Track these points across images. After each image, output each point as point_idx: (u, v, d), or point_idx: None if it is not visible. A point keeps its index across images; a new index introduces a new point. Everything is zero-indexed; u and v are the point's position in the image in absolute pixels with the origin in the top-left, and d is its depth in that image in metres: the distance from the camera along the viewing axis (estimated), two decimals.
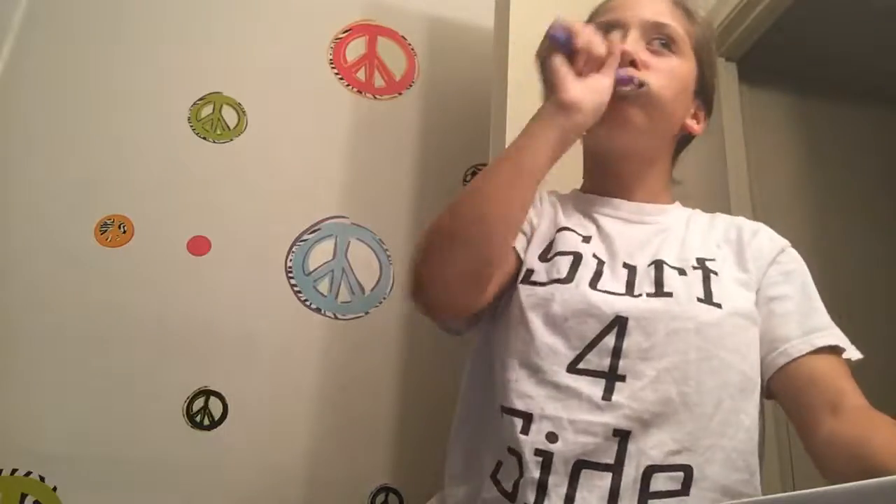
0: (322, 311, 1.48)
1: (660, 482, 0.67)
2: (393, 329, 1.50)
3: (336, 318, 1.48)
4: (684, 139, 0.92)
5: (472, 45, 1.73)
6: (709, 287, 0.76)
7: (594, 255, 0.80)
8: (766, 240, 0.84)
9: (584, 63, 0.76)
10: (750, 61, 1.81)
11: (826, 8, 1.84)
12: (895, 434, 0.63)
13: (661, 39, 0.84)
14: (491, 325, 0.82)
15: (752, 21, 1.66)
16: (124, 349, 1.34)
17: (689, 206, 0.93)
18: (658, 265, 0.78)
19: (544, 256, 0.81)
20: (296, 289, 1.48)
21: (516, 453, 0.70)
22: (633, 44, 0.82)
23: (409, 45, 1.76)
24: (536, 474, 0.68)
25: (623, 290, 0.76)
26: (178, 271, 1.42)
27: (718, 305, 0.75)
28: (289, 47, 1.66)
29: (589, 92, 0.75)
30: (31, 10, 1.52)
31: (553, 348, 0.73)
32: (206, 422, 1.35)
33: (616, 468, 0.67)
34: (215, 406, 1.36)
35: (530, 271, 0.79)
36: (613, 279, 0.78)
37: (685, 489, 0.67)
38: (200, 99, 1.56)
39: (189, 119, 1.54)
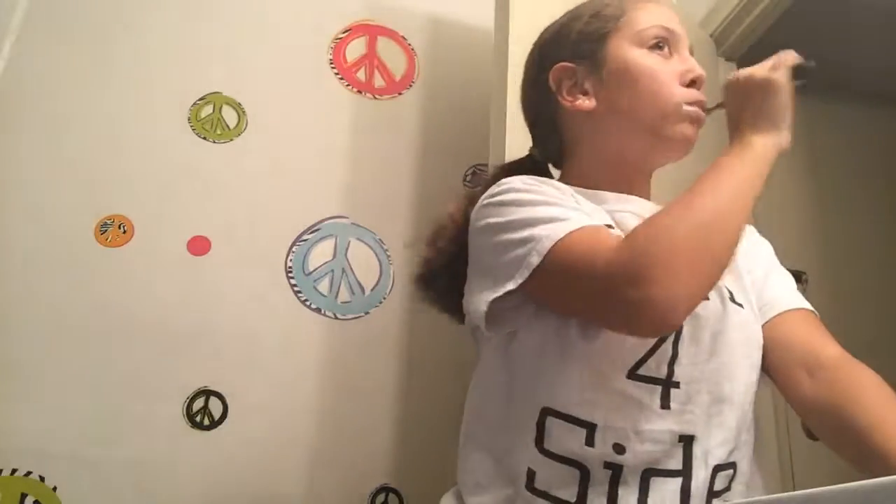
0: (322, 311, 1.48)
1: (720, 480, 0.69)
2: (393, 329, 1.50)
3: (336, 318, 1.48)
4: None
5: (472, 45, 1.73)
6: (728, 287, 0.77)
7: None
8: None
9: None
10: (750, 61, 1.80)
11: (826, 8, 1.84)
12: (870, 392, 0.65)
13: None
14: (536, 325, 0.75)
15: (752, 21, 1.66)
16: (124, 349, 1.34)
17: None
18: None
19: None
20: (296, 289, 1.48)
21: (579, 465, 0.69)
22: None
23: (409, 45, 1.76)
24: (606, 486, 0.68)
25: None
26: (178, 271, 1.42)
27: (741, 305, 0.77)
28: (289, 47, 1.66)
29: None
30: (31, 10, 1.52)
31: (614, 353, 0.71)
32: (206, 422, 1.35)
33: (685, 472, 0.68)
34: (215, 406, 1.36)
35: None
36: None
37: (730, 484, 0.69)
38: (200, 99, 1.56)
39: (189, 119, 1.54)
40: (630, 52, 0.83)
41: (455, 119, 1.70)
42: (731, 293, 0.77)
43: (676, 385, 0.71)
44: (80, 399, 1.30)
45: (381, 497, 1.39)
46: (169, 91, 1.55)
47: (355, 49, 1.72)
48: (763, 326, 0.77)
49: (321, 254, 1.52)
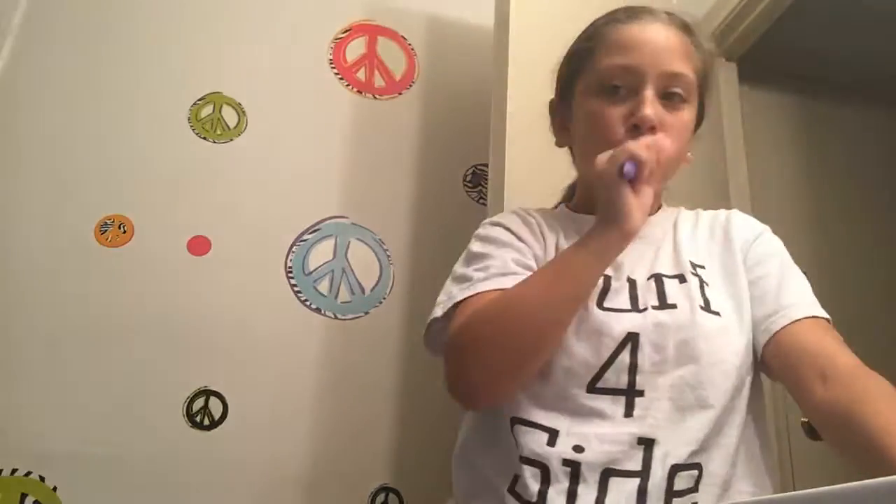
0: (322, 311, 1.48)
1: (682, 480, 0.69)
2: (393, 329, 1.50)
3: (336, 318, 1.48)
4: None
5: (472, 45, 1.73)
6: (706, 294, 0.78)
7: None
8: (745, 227, 0.87)
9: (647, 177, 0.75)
10: (750, 61, 1.81)
11: (826, 8, 1.84)
12: (883, 399, 0.64)
13: (675, 92, 0.83)
14: None
15: (752, 21, 1.67)
16: (124, 349, 1.34)
17: (690, 205, 0.94)
18: (657, 278, 0.80)
19: None
20: (296, 289, 1.48)
21: (541, 464, 0.71)
22: (653, 105, 0.80)
23: (409, 45, 1.76)
24: (566, 483, 0.70)
25: (629, 306, 0.78)
26: (178, 271, 1.42)
27: (717, 313, 0.77)
28: (289, 47, 1.66)
29: (643, 210, 0.75)
30: (31, 10, 1.52)
31: (570, 371, 0.74)
32: (206, 422, 1.35)
33: (643, 473, 0.69)
34: (215, 406, 1.36)
35: None
36: (617, 295, 0.79)
37: (696, 485, 0.70)
38: (200, 99, 1.56)
39: (189, 119, 1.54)
40: (586, 99, 0.86)
41: (455, 119, 1.70)
42: (706, 301, 0.77)
43: (640, 393, 0.73)
44: (80, 399, 1.30)
45: (381, 497, 1.39)
46: (169, 91, 1.55)
47: (355, 49, 1.72)
48: (778, 333, 0.76)
49: (321, 254, 1.52)
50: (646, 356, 0.74)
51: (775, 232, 0.88)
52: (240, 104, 1.58)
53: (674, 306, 0.76)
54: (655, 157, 0.74)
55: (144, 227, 1.44)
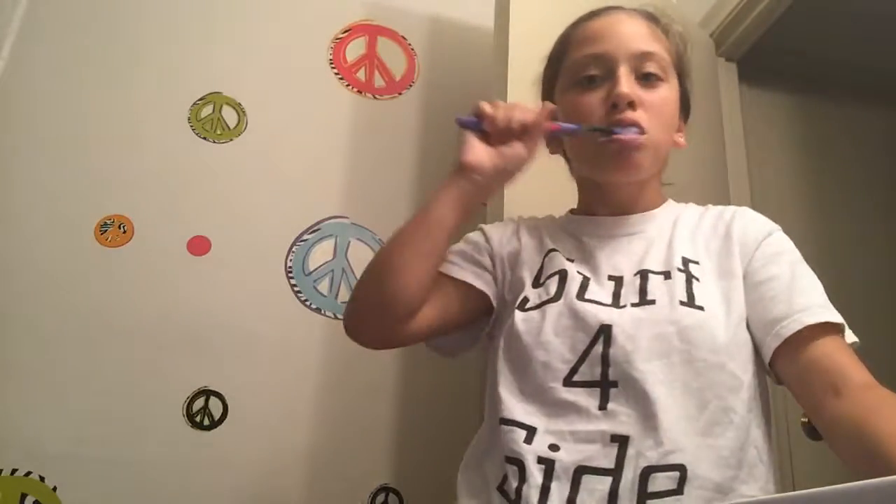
0: (322, 311, 1.48)
1: (658, 482, 0.68)
2: None
3: (336, 318, 1.48)
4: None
5: (472, 45, 1.73)
6: (691, 290, 0.77)
7: (578, 272, 0.83)
8: (752, 226, 0.86)
9: (498, 136, 0.82)
10: (750, 61, 1.81)
11: (826, 8, 1.84)
12: (893, 410, 0.63)
13: (649, 71, 0.85)
14: (491, 349, 0.86)
15: (752, 21, 1.67)
16: (124, 349, 1.34)
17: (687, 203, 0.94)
18: (643, 274, 0.80)
19: (537, 283, 0.85)
20: (296, 289, 1.48)
21: (518, 462, 0.73)
22: (628, 83, 0.83)
23: (409, 45, 1.76)
24: (540, 480, 0.71)
25: (609, 301, 0.79)
26: (178, 271, 1.42)
27: (701, 308, 0.76)
28: (289, 47, 1.66)
29: (493, 156, 0.82)
30: (31, 10, 1.52)
31: (548, 365, 0.77)
32: (206, 422, 1.35)
33: (616, 472, 0.69)
34: (215, 406, 1.36)
35: (525, 299, 0.83)
36: (600, 290, 0.80)
37: (680, 488, 0.68)
38: (200, 99, 1.56)
39: (189, 119, 1.54)
40: (565, 95, 0.89)
41: (455, 119, 1.69)
42: (690, 296, 0.76)
43: (614, 384, 0.73)
44: (80, 399, 1.30)
45: (381, 497, 1.39)
46: (169, 91, 1.55)
47: (355, 49, 1.72)
48: (789, 339, 0.74)
49: (321, 254, 1.52)
50: (619, 347, 0.74)
51: None
52: (240, 104, 1.58)
53: (652, 302, 0.77)
54: (505, 116, 0.81)
55: (144, 227, 1.43)
